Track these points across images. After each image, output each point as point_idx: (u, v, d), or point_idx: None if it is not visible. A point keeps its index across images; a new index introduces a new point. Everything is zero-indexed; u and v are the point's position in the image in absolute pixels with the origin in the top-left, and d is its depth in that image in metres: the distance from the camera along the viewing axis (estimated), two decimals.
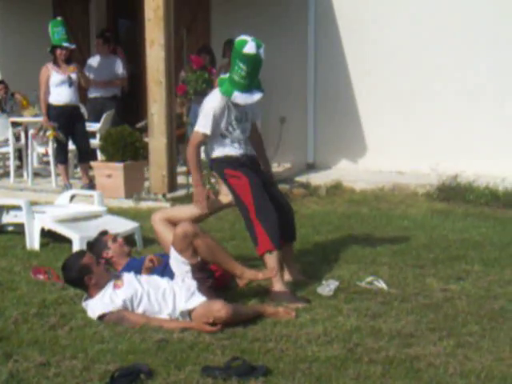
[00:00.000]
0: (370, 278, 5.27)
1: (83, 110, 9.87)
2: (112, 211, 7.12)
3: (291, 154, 10.54)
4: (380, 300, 4.89)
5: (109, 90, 10.50)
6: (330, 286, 5.09)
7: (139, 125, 10.03)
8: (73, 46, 8.97)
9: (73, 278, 4.62)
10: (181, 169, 8.90)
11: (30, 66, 10.71)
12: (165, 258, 4.97)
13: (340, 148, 10.49)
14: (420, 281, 5.35)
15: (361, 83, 10.26)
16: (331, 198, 8.89)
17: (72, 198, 7.13)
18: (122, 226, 6.41)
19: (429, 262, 5.90)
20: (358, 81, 10.29)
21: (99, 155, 9.37)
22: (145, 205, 8.05)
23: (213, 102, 5.11)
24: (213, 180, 7.68)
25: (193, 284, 4.56)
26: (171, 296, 4.49)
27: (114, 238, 5.23)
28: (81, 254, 4.77)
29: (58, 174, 9.07)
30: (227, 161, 5.17)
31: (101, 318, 4.42)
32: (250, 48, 4.89)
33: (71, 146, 9.14)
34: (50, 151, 9.02)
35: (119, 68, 10.57)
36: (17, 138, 9.83)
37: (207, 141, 5.21)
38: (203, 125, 5.08)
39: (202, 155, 5.43)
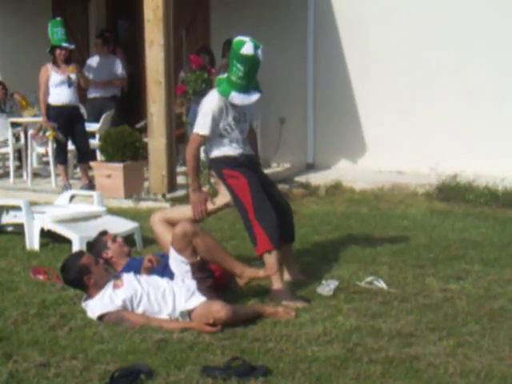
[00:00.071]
0: (369, 278, 5.27)
1: (83, 110, 9.87)
2: (112, 211, 7.12)
3: (291, 154, 10.54)
4: (380, 300, 4.89)
5: (108, 90, 10.51)
6: (329, 286, 5.09)
7: (139, 125, 10.03)
8: (72, 47, 8.98)
9: (72, 279, 4.62)
10: (180, 169, 8.90)
11: (29, 66, 10.71)
12: (164, 258, 4.97)
13: (339, 148, 10.49)
14: (420, 280, 5.35)
15: (360, 83, 10.26)
16: (331, 197, 8.89)
17: (72, 198, 7.13)
18: (121, 226, 6.41)
19: (428, 261, 5.90)
20: (357, 81, 10.29)
21: (99, 155, 9.37)
22: (144, 205, 8.05)
23: (211, 102, 5.10)
24: (212, 180, 7.68)
25: (193, 284, 4.56)
26: (171, 296, 4.49)
27: (114, 238, 5.23)
28: (79, 254, 4.77)
29: (57, 175, 9.07)
30: (225, 161, 5.17)
31: (100, 318, 4.42)
32: (247, 49, 4.88)
33: (71, 146, 9.14)
34: (50, 151, 9.03)
35: (118, 68, 10.57)
36: (16, 138, 9.84)
37: (206, 141, 5.21)
38: (202, 126, 5.07)
39: (202, 155, 5.43)
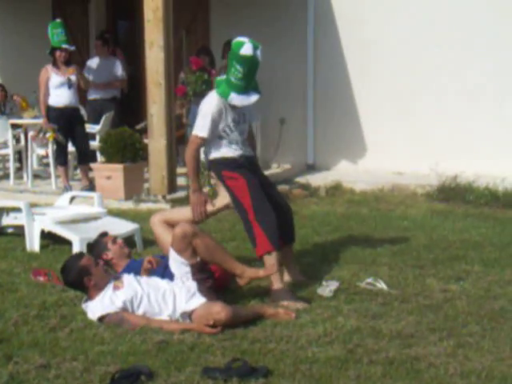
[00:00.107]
0: (370, 279, 5.27)
1: (83, 111, 9.87)
2: (112, 213, 7.12)
3: (291, 154, 10.54)
4: (380, 301, 4.89)
5: (108, 91, 10.51)
6: (330, 287, 5.08)
7: (139, 126, 10.03)
8: (72, 48, 8.99)
9: (72, 280, 4.62)
10: (180, 170, 8.90)
11: (29, 67, 10.70)
12: (164, 259, 4.97)
13: (340, 149, 10.49)
14: (420, 281, 5.35)
15: (360, 84, 10.26)
16: (331, 198, 8.89)
17: (72, 199, 7.13)
18: (121, 227, 6.41)
19: (429, 262, 5.90)
20: (357, 81, 10.29)
21: (99, 157, 9.37)
22: (145, 206, 8.05)
23: (210, 104, 5.10)
24: (212, 181, 7.68)
25: (193, 285, 4.55)
26: (171, 297, 4.49)
27: (114, 239, 5.23)
28: (79, 255, 4.77)
29: (57, 176, 9.07)
30: (224, 162, 5.16)
31: (101, 319, 4.42)
32: (246, 49, 4.88)
33: (71, 147, 9.14)
34: (50, 153, 9.03)
35: (118, 70, 10.57)
36: (16, 139, 9.84)
37: (205, 142, 5.21)
38: (201, 128, 5.07)
39: (202, 156, 5.43)
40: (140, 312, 4.45)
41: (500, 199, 8.37)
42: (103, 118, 9.95)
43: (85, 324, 4.41)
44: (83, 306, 4.60)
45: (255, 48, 4.90)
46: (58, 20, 9.13)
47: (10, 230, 6.78)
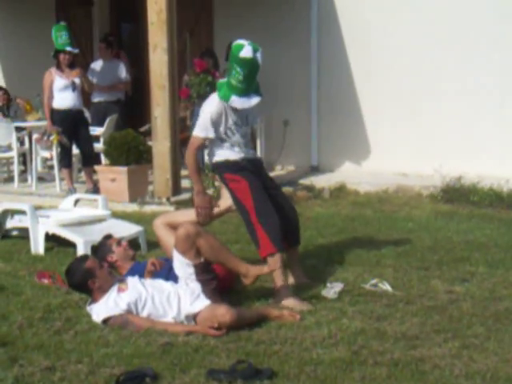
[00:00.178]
0: (374, 281, 5.27)
1: (87, 114, 9.88)
2: (116, 215, 7.12)
3: (295, 156, 10.54)
4: (385, 302, 4.88)
5: (112, 94, 10.52)
6: (334, 289, 5.08)
7: (143, 128, 10.04)
8: (76, 51, 9.00)
9: (76, 283, 4.63)
10: (185, 172, 8.90)
11: (33, 70, 10.72)
12: (168, 261, 4.97)
13: (343, 150, 10.48)
14: (425, 283, 5.35)
15: (364, 84, 10.24)
16: (335, 200, 8.88)
17: (76, 202, 7.14)
18: (126, 229, 6.41)
19: (433, 263, 5.89)
20: (361, 82, 10.27)
21: (103, 159, 9.38)
22: (149, 208, 8.05)
23: (210, 105, 5.11)
24: (216, 183, 7.69)
25: (197, 287, 4.55)
26: (176, 299, 4.49)
27: (119, 241, 5.24)
28: (84, 258, 4.78)
29: (62, 179, 9.09)
30: (227, 165, 5.16)
31: (105, 321, 4.42)
32: (246, 52, 4.87)
33: (75, 150, 9.15)
34: (54, 155, 9.05)
35: (122, 72, 10.58)
36: (21, 142, 9.85)
37: (208, 145, 5.21)
38: (200, 129, 5.08)
39: (206, 158, 5.42)
40: (144, 314, 4.45)
41: (504, 200, 8.35)
42: (107, 121, 9.96)
43: (89, 326, 4.41)
44: (88, 308, 4.61)
45: (255, 50, 4.89)
46: (62, 23, 9.14)
47: (14, 233, 6.79)
